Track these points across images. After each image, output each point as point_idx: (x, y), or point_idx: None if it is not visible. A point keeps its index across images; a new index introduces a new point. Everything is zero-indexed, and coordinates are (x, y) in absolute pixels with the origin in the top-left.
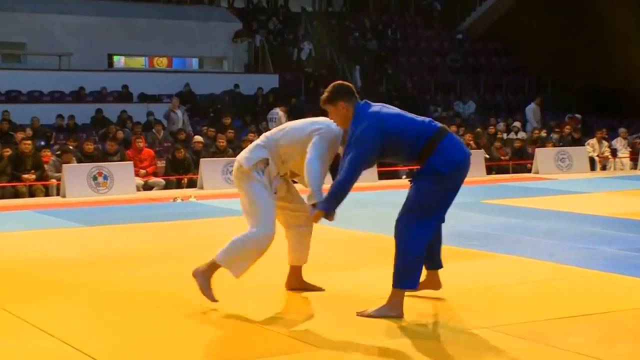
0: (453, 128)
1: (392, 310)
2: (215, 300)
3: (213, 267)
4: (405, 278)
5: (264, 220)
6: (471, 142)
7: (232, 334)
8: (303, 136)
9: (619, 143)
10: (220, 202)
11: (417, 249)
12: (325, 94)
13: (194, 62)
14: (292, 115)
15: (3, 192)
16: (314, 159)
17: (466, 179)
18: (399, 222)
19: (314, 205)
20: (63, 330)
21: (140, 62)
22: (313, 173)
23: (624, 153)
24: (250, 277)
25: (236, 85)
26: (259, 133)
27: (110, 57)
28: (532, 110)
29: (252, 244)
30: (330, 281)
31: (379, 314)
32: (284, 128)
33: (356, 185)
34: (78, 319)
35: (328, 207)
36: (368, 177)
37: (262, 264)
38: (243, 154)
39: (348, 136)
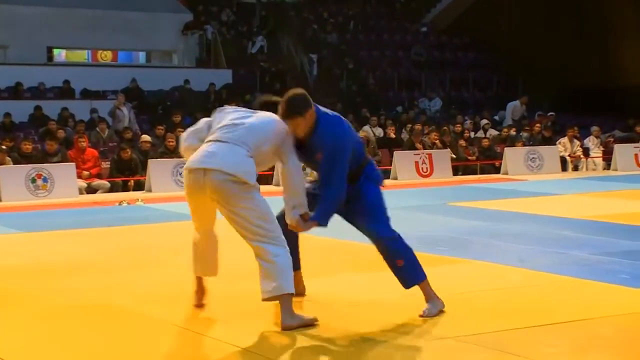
0: (418, 126)
1: (437, 305)
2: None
3: (288, 300)
4: (417, 271)
5: (280, 233)
6: (437, 141)
7: (185, 345)
8: (280, 140)
9: (591, 142)
10: (169, 205)
11: (407, 245)
12: (295, 107)
13: (141, 56)
14: None
15: None
16: (298, 165)
17: (432, 180)
18: (380, 232)
19: (302, 216)
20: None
21: (82, 55)
22: (302, 182)
23: (596, 153)
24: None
25: (186, 81)
26: None
27: (50, 50)
28: (513, 107)
29: (290, 259)
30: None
31: (434, 312)
32: (254, 129)
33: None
34: (10, 333)
35: (325, 222)
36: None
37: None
38: (240, 167)
39: (318, 144)
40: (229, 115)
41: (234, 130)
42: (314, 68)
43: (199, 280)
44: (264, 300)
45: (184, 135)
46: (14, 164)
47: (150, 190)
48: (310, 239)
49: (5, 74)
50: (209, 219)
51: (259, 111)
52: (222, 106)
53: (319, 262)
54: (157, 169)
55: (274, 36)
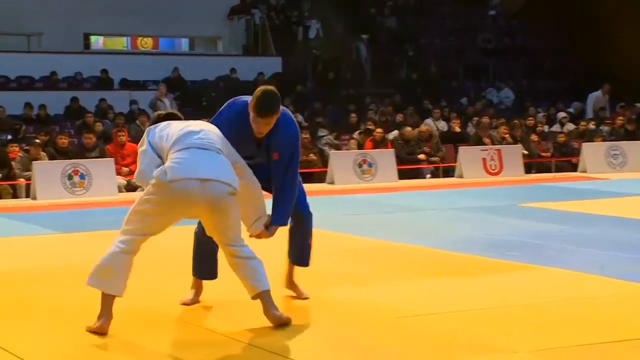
0: (485, 119)
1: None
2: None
3: (268, 297)
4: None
5: None
6: (506, 136)
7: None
8: (227, 149)
9: None
10: None
11: None
12: (276, 104)
13: (184, 43)
14: (298, 103)
15: None
16: (255, 178)
17: (501, 178)
18: (308, 210)
19: (265, 224)
20: (31, 352)
21: (121, 42)
22: (261, 193)
23: None
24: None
25: (232, 70)
26: None
27: (86, 37)
28: (594, 98)
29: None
30: (343, 295)
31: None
32: (214, 137)
33: (373, 185)
34: (49, 340)
35: (286, 222)
36: (386, 176)
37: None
38: (231, 175)
39: (277, 144)
40: (172, 126)
41: (203, 138)
42: (370, 56)
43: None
44: (258, 294)
45: (140, 175)
46: (49, 159)
47: None
48: (355, 241)
49: (40, 63)
50: (162, 230)
51: (187, 121)
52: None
53: (368, 267)
54: None
55: (327, 21)
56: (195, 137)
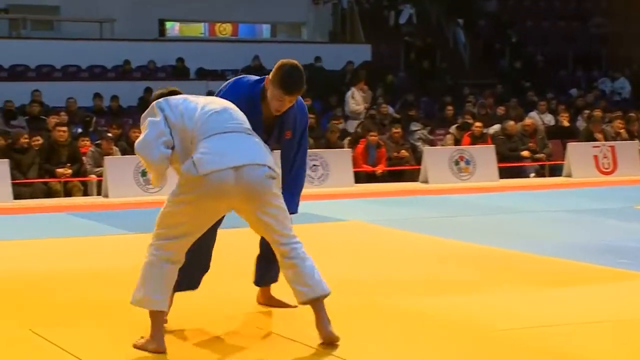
0: (597, 112)
1: None
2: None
3: (321, 307)
4: None
5: None
6: (622, 131)
7: None
8: None
9: None
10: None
11: None
12: (303, 80)
13: (265, 30)
14: (388, 94)
15: (33, 189)
16: None
17: (615, 178)
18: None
19: None
20: (97, 356)
21: (198, 29)
22: None
23: None
24: None
25: (317, 58)
26: (346, 118)
27: (161, 23)
28: None
29: None
30: (433, 305)
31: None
32: (241, 115)
33: (470, 185)
34: (115, 343)
35: (297, 209)
36: (485, 174)
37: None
38: (267, 156)
39: (291, 121)
40: (189, 103)
41: (230, 119)
42: (468, 42)
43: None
44: (309, 300)
45: (145, 144)
46: (121, 154)
47: None
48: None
49: (112, 50)
50: (202, 231)
51: (203, 97)
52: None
53: (467, 274)
54: None
55: (422, 5)
56: (222, 119)
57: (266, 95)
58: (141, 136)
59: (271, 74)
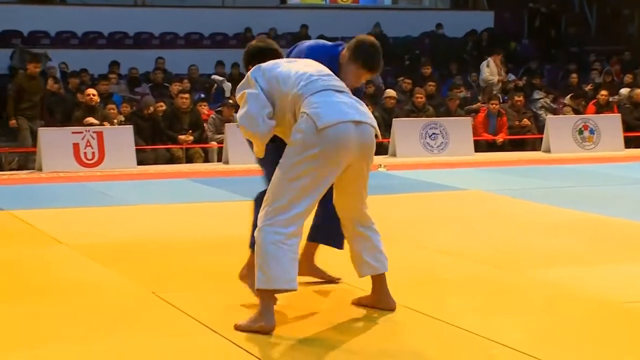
0: None
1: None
2: None
3: (384, 278)
4: None
5: None
6: None
7: None
8: None
9: None
10: (416, 173)
11: None
12: (381, 62)
13: None
14: (511, 62)
15: (156, 155)
16: None
17: None
18: None
19: None
20: (227, 327)
21: None
22: None
23: None
24: None
25: (439, 25)
26: (467, 87)
27: None
28: None
29: None
30: (558, 277)
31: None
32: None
33: (594, 154)
34: (233, 313)
35: None
36: (610, 144)
37: None
38: (372, 118)
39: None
40: (282, 67)
41: (329, 79)
42: (595, 7)
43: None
44: (377, 275)
45: (250, 118)
46: None
47: (394, 155)
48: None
49: (234, 18)
50: (320, 197)
51: (294, 60)
52: (483, 55)
53: (593, 246)
54: (403, 130)
55: None
56: (323, 77)
57: (341, 65)
58: (243, 109)
59: (350, 48)
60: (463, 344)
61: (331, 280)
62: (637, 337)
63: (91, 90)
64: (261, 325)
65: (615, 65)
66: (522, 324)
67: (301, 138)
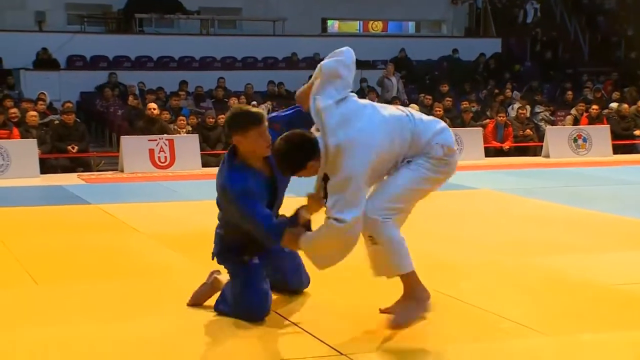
0: None
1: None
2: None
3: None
4: None
5: None
6: None
7: None
8: None
9: None
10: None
11: None
12: None
13: (410, 26)
14: (516, 81)
15: (218, 159)
16: None
17: None
18: None
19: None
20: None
21: (354, 26)
22: None
23: None
24: None
25: (455, 51)
26: (478, 102)
27: (324, 21)
28: None
29: None
30: (553, 263)
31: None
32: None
33: (587, 159)
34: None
35: None
36: (600, 151)
37: None
38: None
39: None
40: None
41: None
42: (587, 35)
43: None
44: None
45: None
46: None
47: None
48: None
49: (283, 44)
50: None
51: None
52: (492, 76)
53: (588, 238)
54: None
55: (547, 3)
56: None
57: None
58: (352, 211)
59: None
60: (476, 319)
61: None
62: (622, 314)
63: (152, 105)
64: (420, 299)
65: (609, 85)
66: (525, 303)
67: (435, 161)
